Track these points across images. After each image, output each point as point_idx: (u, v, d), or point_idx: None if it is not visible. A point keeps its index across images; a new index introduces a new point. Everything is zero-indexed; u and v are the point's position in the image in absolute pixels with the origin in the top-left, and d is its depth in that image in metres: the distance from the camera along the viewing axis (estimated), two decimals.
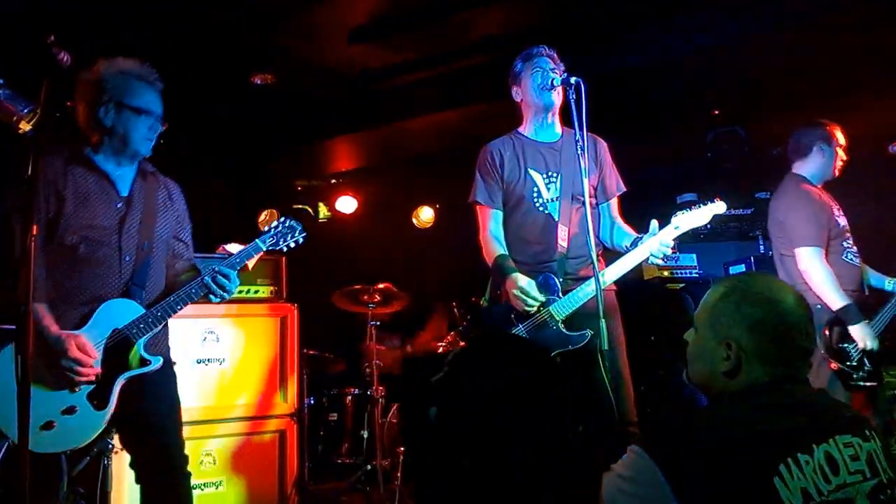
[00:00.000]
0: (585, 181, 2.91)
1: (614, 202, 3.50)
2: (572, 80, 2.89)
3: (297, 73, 5.14)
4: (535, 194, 3.35)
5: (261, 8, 4.32)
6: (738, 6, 4.64)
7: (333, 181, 7.30)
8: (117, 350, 2.61)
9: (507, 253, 3.33)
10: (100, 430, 2.56)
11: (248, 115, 5.65)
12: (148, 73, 2.80)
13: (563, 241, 3.28)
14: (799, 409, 1.64)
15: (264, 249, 2.94)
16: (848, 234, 3.93)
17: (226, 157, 6.31)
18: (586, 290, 3.12)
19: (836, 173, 3.97)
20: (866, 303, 3.85)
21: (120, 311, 2.66)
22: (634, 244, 3.16)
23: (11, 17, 3.84)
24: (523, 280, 3.17)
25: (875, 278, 4.10)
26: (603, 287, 3.02)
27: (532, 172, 3.37)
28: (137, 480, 2.72)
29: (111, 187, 2.74)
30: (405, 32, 4.77)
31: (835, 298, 3.64)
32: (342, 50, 4.94)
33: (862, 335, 3.62)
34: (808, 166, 3.96)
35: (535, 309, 3.16)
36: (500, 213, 3.43)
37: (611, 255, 3.39)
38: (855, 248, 3.92)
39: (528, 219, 3.36)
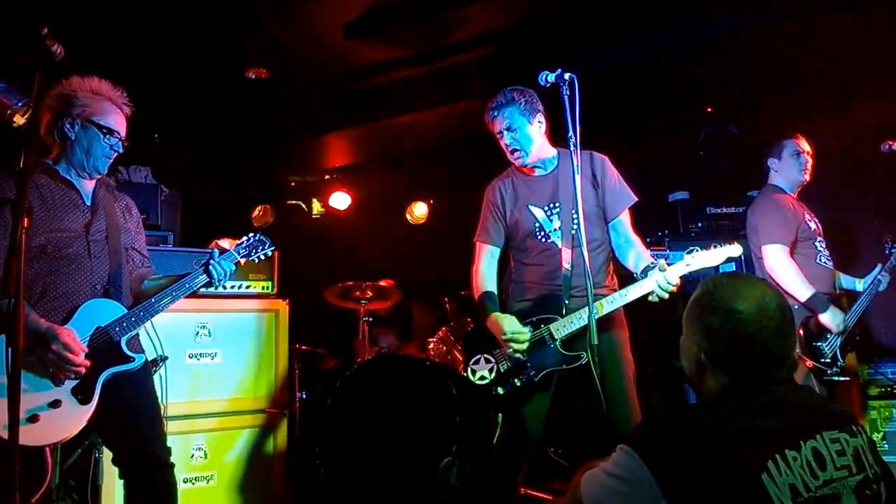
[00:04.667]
0: (579, 201, 2.87)
1: (625, 217, 3.42)
2: (566, 75, 2.88)
3: (291, 67, 5.12)
4: (537, 228, 3.38)
5: (255, 2, 4.31)
6: (729, 4, 4.66)
7: (327, 177, 7.30)
8: (100, 347, 2.67)
9: (492, 290, 3.40)
10: (82, 426, 2.60)
11: (241, 110, 5.64)
12: (118, 97, 2.89)
13: (566, 264, 3.30)
14: (784, 408, 1.65)
15: (238, 259, 3.03)
16: (820, 238, 4.20)
17: (219, 153, 6.29)
18: (583, 315, 3.15)
19: (807, 178, 4.28)
20: (839, 304, 4.08)
21: (102, 310, 2.73)
22: (645, 273, 3.14)
23: (4, 8, 3.82)
24: (506, 321, 3.21)
25: (846, 280, 4.38)
26: (599, 316, 3.07)
27: (533, 209, 3.40)
28: (120, 476, 2.78)
29: (76, 194, 2.82)
30: (399, 27, 4.76)
31: (800, 290, 3.91)
32: (336, 45, 4.93)
33: (832, 320, 3.90)
34: (780, 177, 4.32)
35: (523, 347, 3.18)
36: (497, 250, 3.50)
37: (623, 271, 3.42)
38: (827, 252, 4.20)
39: (534, 249, 3.39)
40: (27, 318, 2.48)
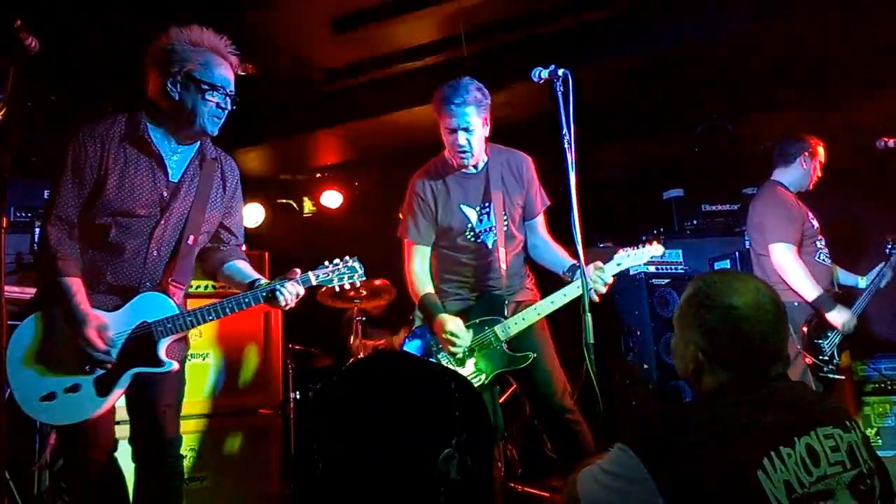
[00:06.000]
0: (571, 163, 2.88)
1: (541, 219, 3.52)
2: (560, 72, 2.88)
3: (279, 64, 5.09)
4: (468, 228, 3.38)
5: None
6: (726, 3, 4.65)
7: (318, 175, 7.26)
8: (138, 343, 2.57)
9: (432, 291, 3.39)
10: (90, 416, 2.51)
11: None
12: (222, 46, 2.65)
13: (502, 264, 3.33)
14: (779, 404, 1.65)
15: (312, 284, 2.82)
16: (820, 237, 4.26)
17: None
18: (532, 314, 3.25)
19: (811, 186, 4.34)
20: (838, 299, 4.15)
21: (154, 305, 2.62)
22: (572, 272, 3.22)
23: None
24: (452, 323, 3.23)
25: (844, 277, 4.47)
26: (539, 316, 3.25)
27: (464, 208, 3.39)
28: (133, 458, 2.70)
29: (161, 172, 2.63)
30: (389, 23, 4.73)
31: (809, 289, 3.98)
32: (326, 41, 4.90)
33: (840, 319, 3.97)
34: (788, 175, 4.32)
35: (461, 350, 3.22)
36: (428, 250, 3.46)
37: (544, 274, 3.50)
38: (826, 249, 4.26)
39: (466, 249, 3.40)
40: (73, 297, 2.44)
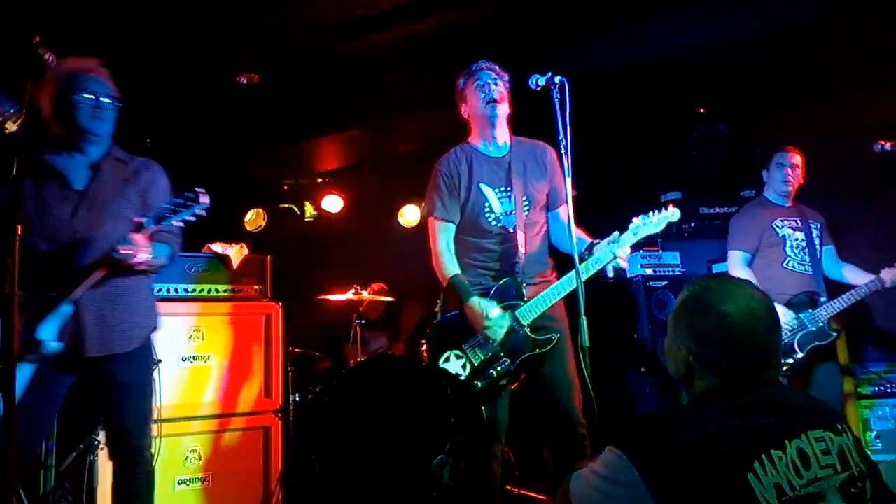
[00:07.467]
0: (568, 169, 2.94)
1: (564, 209, 3.47)
2: (556, 79, 2.90)
3: (283, 72, 5.12)
4: (486, 209, 3.38)
5: (246, 6, 4.31)
6: (719, 4, 4.68)
7: (319, 180, 7.29)
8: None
9: (460, 272, 3.35)
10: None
11: (234, 115, 5.63)
12: (91, 65, 2.98)
13: (521, 247, 3.33)
14: (770, 408, 1.66)
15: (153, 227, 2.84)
16: (795, 242, 4.33)
17: (212, 158, 6.28)
18: (550, 295, 3.22)
19: (791, 189, 4.41)
20: (809, 303, 4.21)
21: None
22: (590, 250, 3.21)
23: None
24: (491, 309, 3.20)
25: (851, 275, 4.40)
26: (559, 296, 3.20)
27: (484, 188, 3.40)
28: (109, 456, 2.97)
29: (65, 183, 2.91)
30: (391, 31, 4.76)
31: None
32: (328, 48, 4.93)
33: (783, 318, 4.07)
34: (768, 187, 4.53)
35: (503, 334, 3.20)
36: (453, 228, 3.44)
37: (564, 260, 3.42)
38: (805, 255, 4.31)
39: (485, 231, 3.39)
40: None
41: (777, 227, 4.37)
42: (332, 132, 6.05)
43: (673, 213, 3.25)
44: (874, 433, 4.84)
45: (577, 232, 3.33)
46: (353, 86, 5.48)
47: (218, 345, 4.34)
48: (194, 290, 4.35)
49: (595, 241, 3.22)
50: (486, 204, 3.38)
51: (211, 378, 4.28)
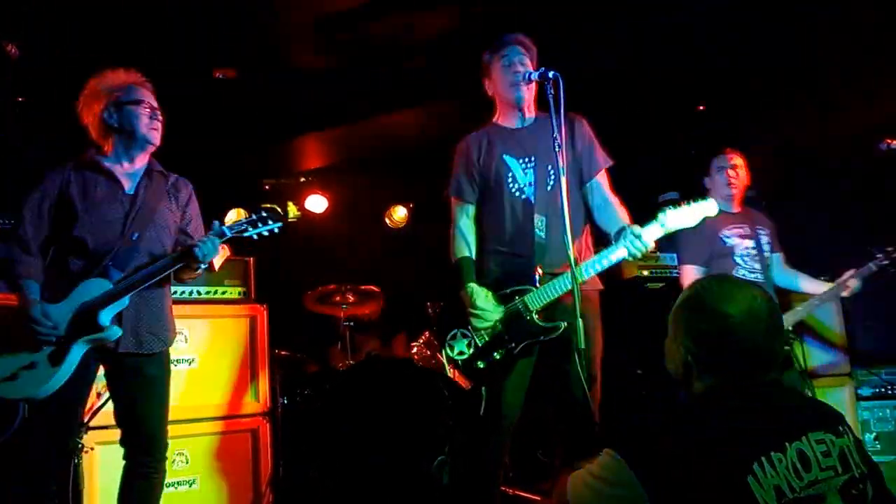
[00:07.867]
0: (562, 168, 2.84)
1: (602, 178, 3.35)
2: (550, 74, 2.85)
3: (260, 67, 5.05)
4: (509, 179, 3.28)
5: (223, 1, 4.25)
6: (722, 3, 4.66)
7: (302, 180, 7.22)
8: (82, 319, 2.88)
9: (471, 256, 3.31)
10: (51, 385, 2.81)
11: (210, 111, 5.54)
12: (140, 76, 3.16)
13: (540, 231, 3.21)
14: (771, 410, 1.65)
15: (228, 235, 3.15)
16: (745, 250, 4.21)
17: (189, 157, 6.19)
18: (561, 284, 3.06)
19: (735, 192, 4.30)
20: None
21: (93, 289, 2.91)
22: (616, 238, 3.08)
23: None
24: (480, 296, 3.17)
25: (804, 283, 4.34)
26: (582, 281, 3.01)
27: (507, 158, 3.30)
28: (124, 457, 3.05)
29: (117, 186, 3.07)
30: (373, 26, 4.71)
31: None
32: (308, 44, 4.86)
33: None
34: (713, 194, 4.20)
35: (488, 326, 3.16)
36: (472, 208, 3.38)
37: (601, 234, 3.34)
38: (757, 265, 4.19)
39: (505, 206, 3.28)
40: (26, 297, 2.86)
41: (725, 237, 4.26)
42: (313, 130, 5.99)
43: (711, 207, 3.11)
44: (873, 434, 4.86)
45: (614, 211, 3.25)
46: (336, 83, 5.42)
47: (202, 347, 4.33)
48: (176, 293, 4.29)
49: (622, 227, 3.06)
50: (509, 174, 3.29)
51: (195, 381, 4.26)
